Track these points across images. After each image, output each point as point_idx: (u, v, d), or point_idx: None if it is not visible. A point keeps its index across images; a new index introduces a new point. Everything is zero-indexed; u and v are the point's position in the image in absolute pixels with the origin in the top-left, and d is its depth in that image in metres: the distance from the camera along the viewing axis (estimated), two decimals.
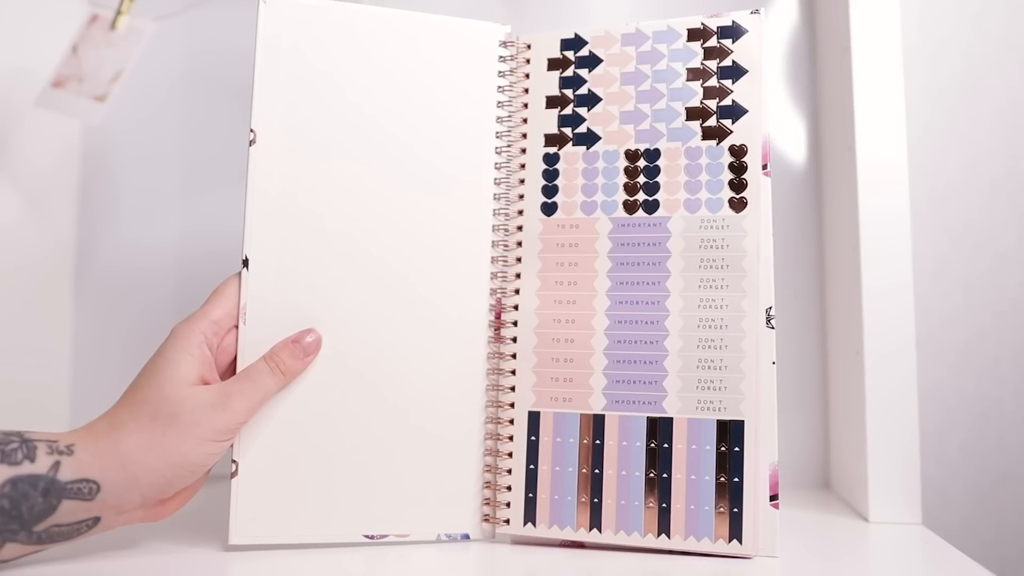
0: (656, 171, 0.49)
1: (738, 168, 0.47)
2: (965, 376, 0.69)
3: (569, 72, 0.51)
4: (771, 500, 0.45)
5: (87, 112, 0.60)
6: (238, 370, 0.46)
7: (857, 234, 0.56)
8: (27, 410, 0.70)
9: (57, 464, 0.40)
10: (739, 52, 0.48)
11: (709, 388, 0.46)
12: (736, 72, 0.48)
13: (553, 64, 0.51)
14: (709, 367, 0.46)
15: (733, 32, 0.48)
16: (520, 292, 0.50)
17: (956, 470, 0.69)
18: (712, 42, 0.49)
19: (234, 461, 0.46)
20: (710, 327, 0.46)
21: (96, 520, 0.42)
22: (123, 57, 0.61)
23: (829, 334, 0.67)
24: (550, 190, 0.50)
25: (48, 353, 0.73)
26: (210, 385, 0.44)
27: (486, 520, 0.48)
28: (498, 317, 0.50)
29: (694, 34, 0.49)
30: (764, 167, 0.47)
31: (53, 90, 0.61)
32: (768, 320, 0.46)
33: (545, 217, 0.50)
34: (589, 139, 0.50)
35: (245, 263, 0.47)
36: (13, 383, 0.69)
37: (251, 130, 0.48)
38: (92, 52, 0.61)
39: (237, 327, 0.47)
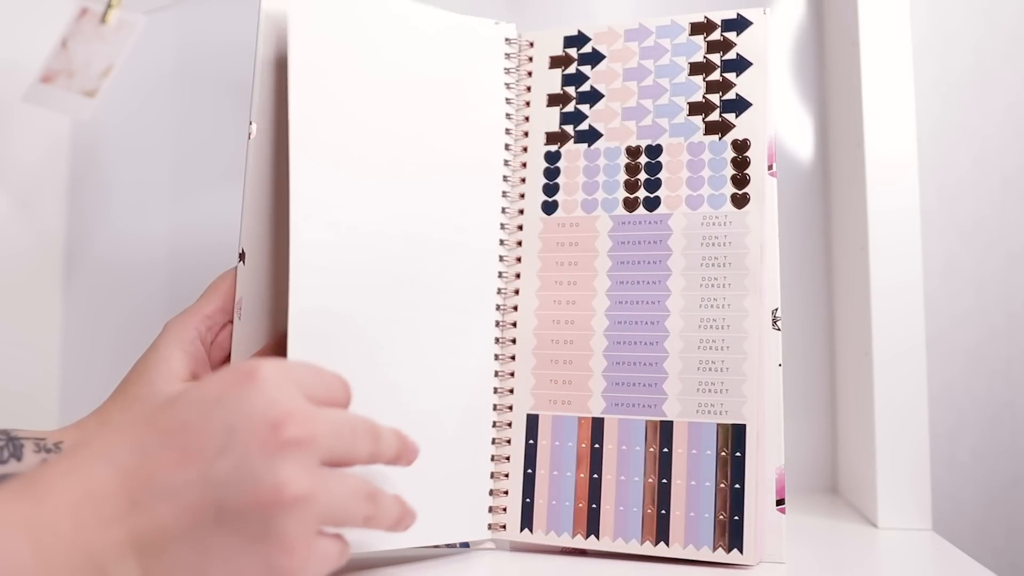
0: (658, 167, 0.48)
1: (741, 163, 0.46)
2: (976, 378, 0.68)
3: (571, 69, 0.50)
4: (777, 505, 0.43)
5: (76, 107, 0.59)
6: None
7: (866, 233, 0.55)
8: (17, 408, 0.70)
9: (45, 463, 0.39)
10: (743, 45, 0.47)
11: (710, 391, 0.45)
12: (740, 65, 0.47)
13: (555, 62, 0.50)
14: (710, 369, 0.45)
15: (738, 25, 0.47)
16: (520, 292, 0.48)
17: (967, 474, 0.67)
18: (716, 35, 0.48)
19: None
20: (712, 327, 0.45)
21: None
22: (113, 51, 0.60)
23: (837, 335, 0.66)
24: (551, 189, 0.49)
25: (38, 350, 0.73)
26: None
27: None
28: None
29: (697, 28, 0.48)
30: (770, 167, 0.46)
31: (42, 85, 0.60)
32: (774, 321, 0.45)
33: (546, 216, 0.49)
34: (591, 136, 0.49)
35: (241, 257, 0.46)
36: (2, 381, 0.69)
37: (250, 123, 0.47)
38: (82, 46, 0.61)
39: (232, 323, 0.46)
